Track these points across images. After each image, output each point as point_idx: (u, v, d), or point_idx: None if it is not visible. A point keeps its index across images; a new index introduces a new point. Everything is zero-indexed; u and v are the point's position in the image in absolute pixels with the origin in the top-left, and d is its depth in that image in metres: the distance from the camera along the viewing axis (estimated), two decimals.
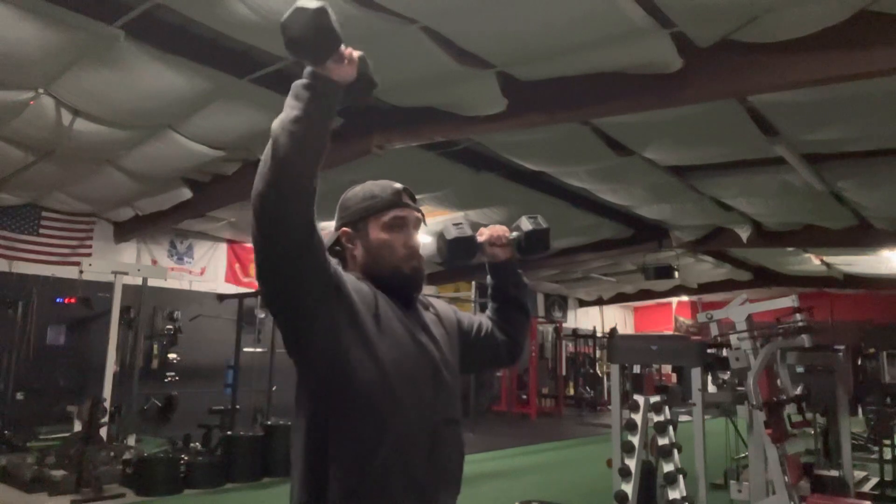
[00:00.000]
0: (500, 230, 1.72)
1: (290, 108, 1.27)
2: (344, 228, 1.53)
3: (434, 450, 1.41)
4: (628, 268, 13.61)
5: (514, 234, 1.72)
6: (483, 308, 1.93)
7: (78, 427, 6.46)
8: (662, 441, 3.87)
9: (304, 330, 1.35)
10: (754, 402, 3.96)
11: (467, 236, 1.66)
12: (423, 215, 1.59)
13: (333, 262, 1.42)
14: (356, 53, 1.34)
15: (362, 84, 1.39)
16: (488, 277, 1.79)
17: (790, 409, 4.52)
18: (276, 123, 1.26)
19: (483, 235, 1.71)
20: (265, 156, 1.25)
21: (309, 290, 1.31)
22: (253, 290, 8.98)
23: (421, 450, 1.39)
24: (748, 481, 4.42)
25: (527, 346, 1.86)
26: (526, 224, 1.72)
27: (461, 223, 1.68)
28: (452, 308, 1.72)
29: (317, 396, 1.38)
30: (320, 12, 1.26)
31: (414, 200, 1.59)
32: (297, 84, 1.29)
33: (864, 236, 8.96)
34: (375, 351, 1.37)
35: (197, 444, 6.94)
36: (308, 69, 1.29)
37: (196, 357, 9.67)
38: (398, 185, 1.56)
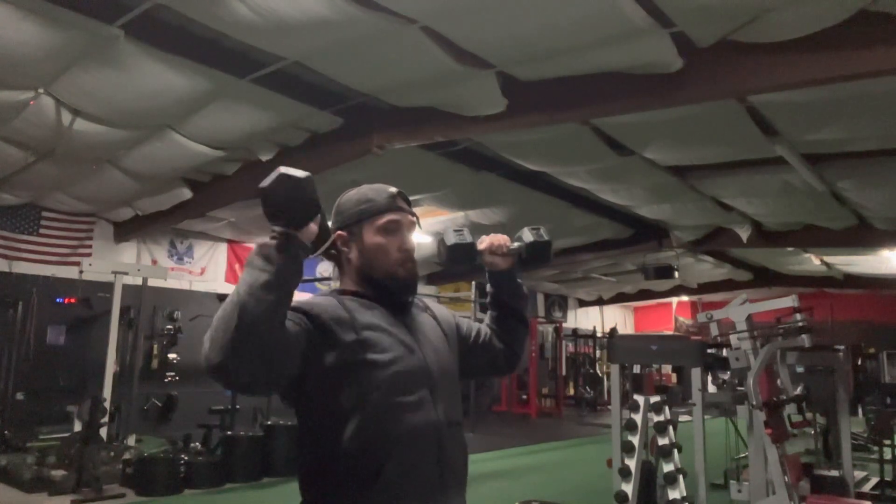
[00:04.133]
0: (500, 239, 1.70)
1: (260, 269, 1.22)
2: (339, 232, 1.53)
3: (442, 453, 1.42)
4: (628, 268, 13.61)
5: (516, 244, 1.71)
6: (483, 308, 1.92)
7: (78, 427, 6.46)
8: (662, 441, 3.87)
9: (295, 391, 1.38)
10: (754, 402, 3.97)
11: (467, 243, 1.64)
12: (417, 219, 1.59)
13: (331, 266, 1.46)
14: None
15: (322, 238, 1.39)
16: (488, 286, 1.78)
17: (790, 409, 4.52)
18: (244, 287, 1.20)
19: (483, 243, 1.69)
20: (227, 318, 1.18)
21: (290, 376, 1.33)
22: None
23: (429, 455, 1.40)
24: (748, 481, 4.42)
25: (525, 355, 1.84)
26: (528, 235, 1.71)
27: (462, 229, 1.67)
28: (451, 312, 1.72)
29: (317, 423, 1.39)
30: (305, 182, 1.24)
31: (408, 204, 1.59)
32: (268, 246, 1.25)
33: (864, 236, 8.97)
34: (368, 371, 1.38)
35: (197, 444, 6.94)
36: (280, 230, 1.25)
37: (196, 357, 9.53)
38: (393, 189, 1.57)
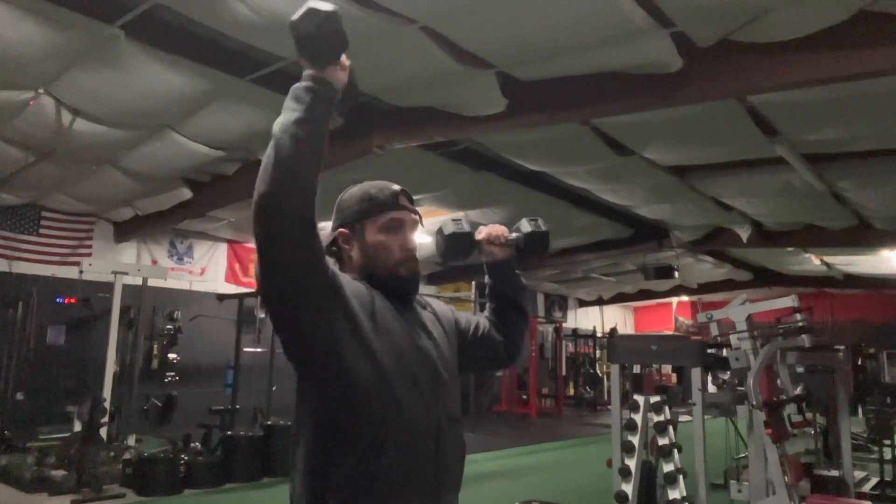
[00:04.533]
0: (499, 230, 1.71)
1: (291, 110, 1.28)
2: (341, 229, 1.53)
3: (439, 449, 1.42)
4: (628, 268, 13.60)
5: (514, 235, 1.71)
6: (483, 308, 1.91)
7: (78, 427, 6.46)
8: (662, 441, 3.87)
9: (303, 332, 1.35)
10: (754, 402, 3.97)
11: (465, 232, 1.65)
12: (420, 217, 1.59)
13: (331, 262, 1.42)
14: (346, 60, 1.36)
15: (350, 91, 1.41)
16: (486, 277, 1.78)
17: (790, 409, 4.52)
18: (278, 126, 1.27)
19: (481, 234, 1.70)
20: (267, 158, 1.25)
21: (309, 291, 1.31)
22: (253, 290, 8.97)
23: (427, 450, 1.39)
24: (748, 481, 4.42)
25: (524, 346, 1.84)
26: (526, 226, 1.71)
27: (460, 220, 1.67)
28: (450, 308, 1.72)
29: (318, 400, 1.38)
30: (333, 16, 1.28)
31: (411, 202, 1.58)
32: (298, 87, 1.30)
33: (864, 236, 8.96)
34: (373, 352, 1.37)
35: (197, 444, 6.93)
36: (308, 72, 1.31)
37: (196, 357, 9.67)
38: (396, 187, 1.56)
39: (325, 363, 1.35)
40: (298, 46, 1.30)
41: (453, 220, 1.66)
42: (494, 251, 1.71)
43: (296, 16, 1.28)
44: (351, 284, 1.42)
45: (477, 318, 1.76)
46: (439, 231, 1.66)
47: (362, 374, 1.35)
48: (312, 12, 1.27)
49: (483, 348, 1.72)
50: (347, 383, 1.34)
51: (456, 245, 1.64)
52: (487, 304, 1.79)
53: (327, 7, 1.28)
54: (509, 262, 1.74)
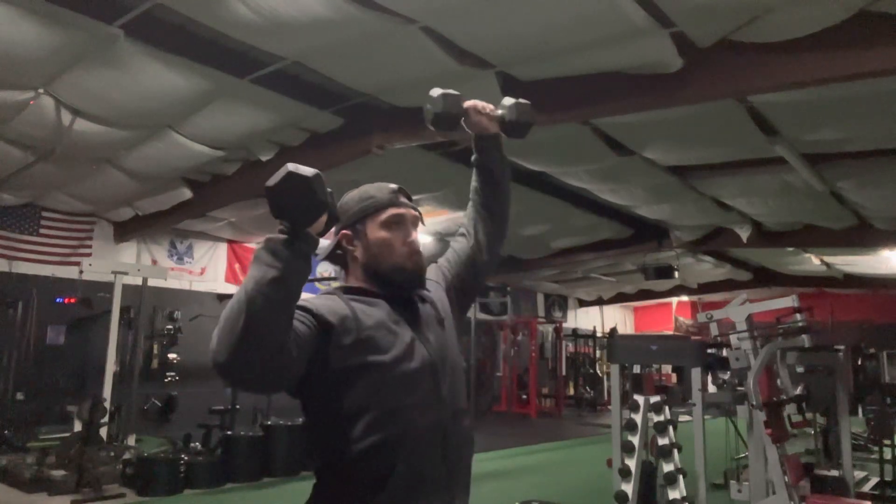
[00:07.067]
0: (486, 103, 1.74)
1: (268, 266, 1.19)
2: (343, 231, 1.53)
3: (446, 449, 1.42)
4: (628, 268, 13.60)
5: (500, 111, 1.75)
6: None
7: (78, 427, 6.46)
8: (662, 441, 3.88)
9: (301, 391, 1.38)
10: (754, 402, 3.97)
11: (455, 94, 1.67)
12: (420, 214, 1.59)
13: (335, 268, 1.44)
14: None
15: (331, 221, 1.37)
16: (473, 155, 1.81)
17: (790, 409, 4.52)
18: (252, 285, 1.18)
19: (469, 102, 1.72)
20: (232, 318, 1.16)
21: (297, 376, 1.32)
22: None
23: (436, 453, 1.40)
24: (748, 481, 4.42)
25: (506, 231, 1.88)
26: (509, 100, 1.76)
27: (447, 89, 1.69)
28: (438, 272, 1.71)
29: (327, 432, 1.39)
30: (315, 180, 1.19)
31: (410, 199, 1.59)
32: (276, 241, 1.22)
33: (864, 236, 8.96)
34: (372, 373, 1.37)
35: (197, 444, 6.93)
36: (289, 226, 1.23)
37: (196, 357, 9.65)
38: (393, 185, 1.58)
39: (326, 400, 1.37)
40: (275, 212, 1.20)
41: (440, 88, 1.68)
42: (483, 121, 1.74)
43: (273, 180, 1.18)
44: (332, 309, 1.39)
45: (451, 248, 1.77)
46: (429, 97, 1.67)
47: (363, 397, 1.36)
48: (291, 177, 1.17)
49: (465, 268, 1.73)
50: (351, 410, 1.35)
51: (446, 107, 1.65)
52: (472, 185, 1.83)
53: (307, 172, 1.18)
54: (497, 137, 1.78)
